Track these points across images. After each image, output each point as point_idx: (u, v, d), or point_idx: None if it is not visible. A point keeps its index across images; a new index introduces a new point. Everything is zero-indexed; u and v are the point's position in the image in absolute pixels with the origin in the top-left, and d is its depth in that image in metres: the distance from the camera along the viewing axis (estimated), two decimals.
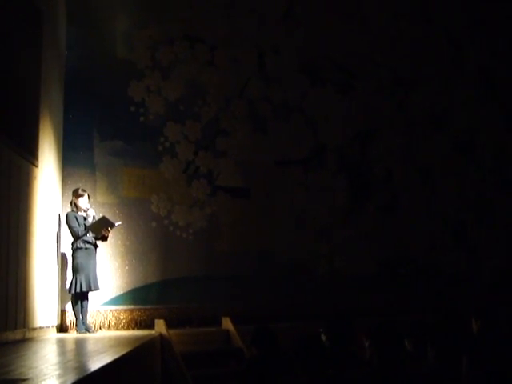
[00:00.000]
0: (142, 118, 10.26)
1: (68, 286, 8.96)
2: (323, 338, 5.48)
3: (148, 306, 9.89)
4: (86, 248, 8.91)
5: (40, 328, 8.14)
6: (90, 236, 8.95)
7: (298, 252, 11.05)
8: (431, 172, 12.33)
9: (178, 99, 10.54)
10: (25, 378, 4.29)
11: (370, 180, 11.87)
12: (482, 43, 13.07)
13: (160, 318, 9.34)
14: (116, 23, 10.33)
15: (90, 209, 9.17)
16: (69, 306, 9.12)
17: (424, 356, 4.98)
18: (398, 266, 11.77)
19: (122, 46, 10.33)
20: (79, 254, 8.86)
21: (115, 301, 9.76)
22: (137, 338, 7.90)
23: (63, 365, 5.30)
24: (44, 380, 4.19)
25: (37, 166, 8.09)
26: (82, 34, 10.03)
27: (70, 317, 9.23)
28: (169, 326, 9.05)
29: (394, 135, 12.12)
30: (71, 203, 9.08)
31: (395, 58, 12.32)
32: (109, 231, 9.09)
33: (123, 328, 9.68)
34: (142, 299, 9.91)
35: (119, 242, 9.88)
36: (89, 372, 4.66)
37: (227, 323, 9.64)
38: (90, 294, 9.01)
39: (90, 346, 7.33)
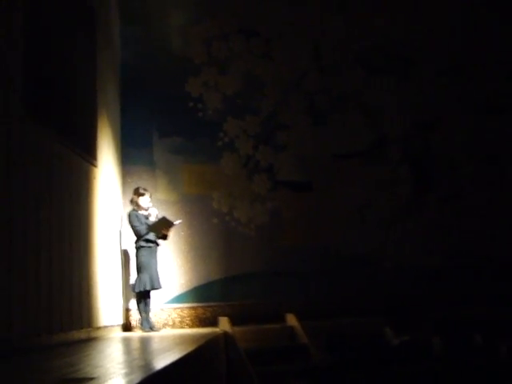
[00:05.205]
0: (200, 114, 10.27)
1: (132, 285, 8.98)
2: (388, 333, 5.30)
3: (211, 304, 9.89)
4: (150, 247, 8.93)
5: (105, 327, 8.19)
6: (152, 234, 8.93)
7: (362, 246, 10.85)
8: (497, 160, 11.97)
9: (235, 93, 10.51)
10: (92, 376, 4.24)
11: (433, 170, 11.60)
12: None
13: (223, 315, 9.37)
14: (170, 19, 10.40)
15: (152, 208, 9.17)
16: (133, 305, 9.14)
17: (495, 351, 4.79)
18: (464, 257, 11.48)
19: (176, 42, 10.39)
20: (142, 252, 8.88)
21: (178, 299, 9.80)
22: (201, 336, 7.84)
23: (129, 363, 5.26)
24: (111, 379, 4.14)
25: (96, 166, 8.10)
26: (136, 32, 10.15)
27: (135, 315, 9.25)
28: (232, 323, 9.00)
29: (456, 123, 11.80)
30: (131, 201, 9.10)
31: (454, 45, 11.98)
32: (169, 230, 9.07)
33: (187, 326, 9.73)
34: (205, 297, 9.92)
35: (181, 239, 9.89)
36: (155, 370, 4.59)
37: (292, 319, 9.57)
38: (154, 293, 9.02)
39: (155, 345, 7.31)
